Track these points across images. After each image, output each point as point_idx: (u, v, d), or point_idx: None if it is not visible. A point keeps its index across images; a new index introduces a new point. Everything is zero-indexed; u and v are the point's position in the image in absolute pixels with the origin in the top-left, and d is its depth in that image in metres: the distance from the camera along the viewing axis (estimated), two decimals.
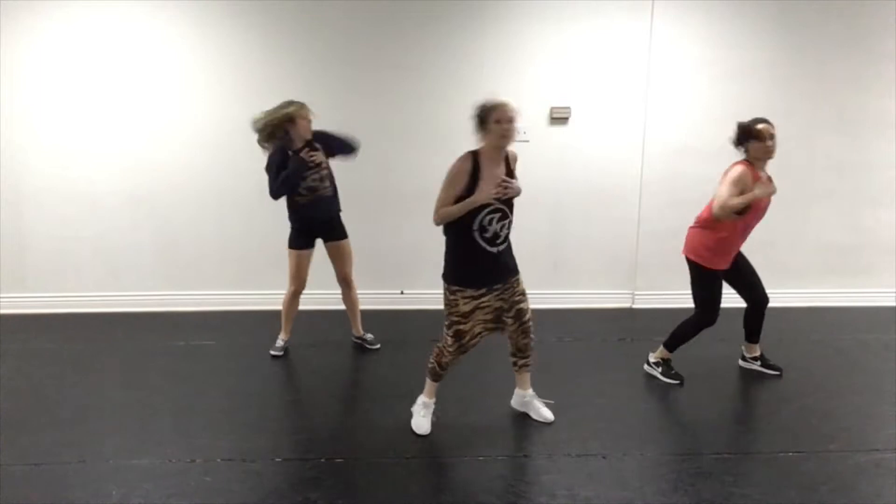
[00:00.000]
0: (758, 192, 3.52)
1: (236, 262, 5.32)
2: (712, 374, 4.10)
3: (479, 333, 3.19)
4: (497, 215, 3.06)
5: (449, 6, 5.09)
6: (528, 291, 3.31)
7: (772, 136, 3.61)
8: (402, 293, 5.45)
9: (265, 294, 5.11)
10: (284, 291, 4.31)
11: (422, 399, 3.38)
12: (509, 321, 3.25)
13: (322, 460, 3.05)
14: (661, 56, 5.24)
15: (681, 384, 3.89)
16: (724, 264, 3.73)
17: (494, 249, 3.10)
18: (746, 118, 5.37)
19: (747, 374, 4.10)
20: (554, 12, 5.13)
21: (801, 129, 5.43)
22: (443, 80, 5.18)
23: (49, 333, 4.79)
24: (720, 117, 5.45)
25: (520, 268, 3.26)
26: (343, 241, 4.31)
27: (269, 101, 5.09)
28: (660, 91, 5.29)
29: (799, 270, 5.63)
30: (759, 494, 2.77)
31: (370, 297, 5.19)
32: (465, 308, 3.11)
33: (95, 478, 2.88)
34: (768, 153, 3.62)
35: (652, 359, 4.03)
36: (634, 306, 5.55)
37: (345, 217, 4.30)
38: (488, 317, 3.18)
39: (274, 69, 5.08)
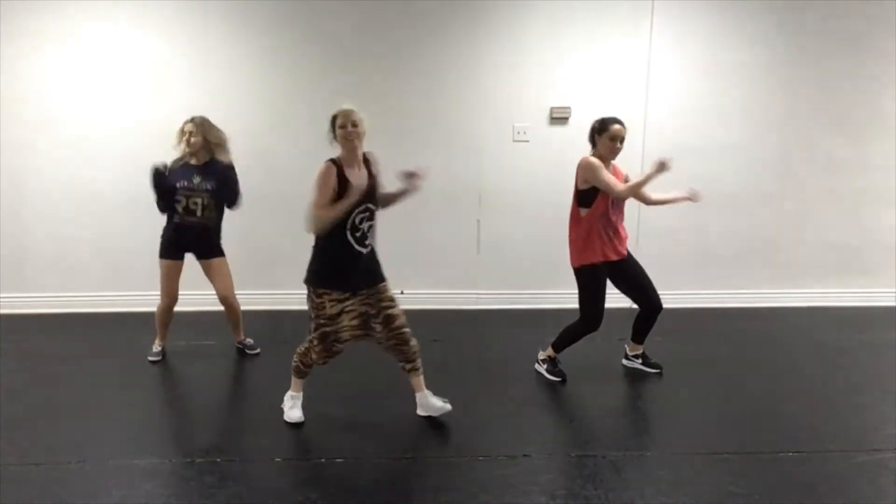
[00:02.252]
0: (651, 172, 3.60)
1: (235, 263, 5.25)
2: (713, 375, 4.11)
3: (346, 340, 3.23)
4: (366, 214, 3.20)
5: (449, 7, 5.09)
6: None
7: (622, 140, 3.76)
8: (402, 293, 5.44)
9: (265, 294, 5.11)
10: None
11: (289, 393, 3.42)
12: (377, 327, 3.27)
13: (322, 460, 3.05)
14: (661, 56, 5.24)
15: (563, 382, 3.91)
16: (598, 255, 3.78)
17: (363, 250, 3.22)
18: (746, 118, 5.44)
19: (746, 375, 4.10)
20: (554, 12, 5.13)
21: (801, 129, 5.43)
22: (443, 80, 5.18)
23: (49, 333, 4.79)
24: (720, 117, 5.48)
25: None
26: (215, 259, 4.22)
27: (269, 102, 5.13)
28: (660, 91, 5.29)
29: (799, 270, 5.63)
30: (759, 494, 2.76)
31: None
32: (332, 311, 3.16)
33: (95, 478, 2.88)
34: (614, 153, 3.78)
35: (541, 356, 4.07)
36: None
37: None
38: (355, 322, 3.21)
39: (274, 69, 5.09)
